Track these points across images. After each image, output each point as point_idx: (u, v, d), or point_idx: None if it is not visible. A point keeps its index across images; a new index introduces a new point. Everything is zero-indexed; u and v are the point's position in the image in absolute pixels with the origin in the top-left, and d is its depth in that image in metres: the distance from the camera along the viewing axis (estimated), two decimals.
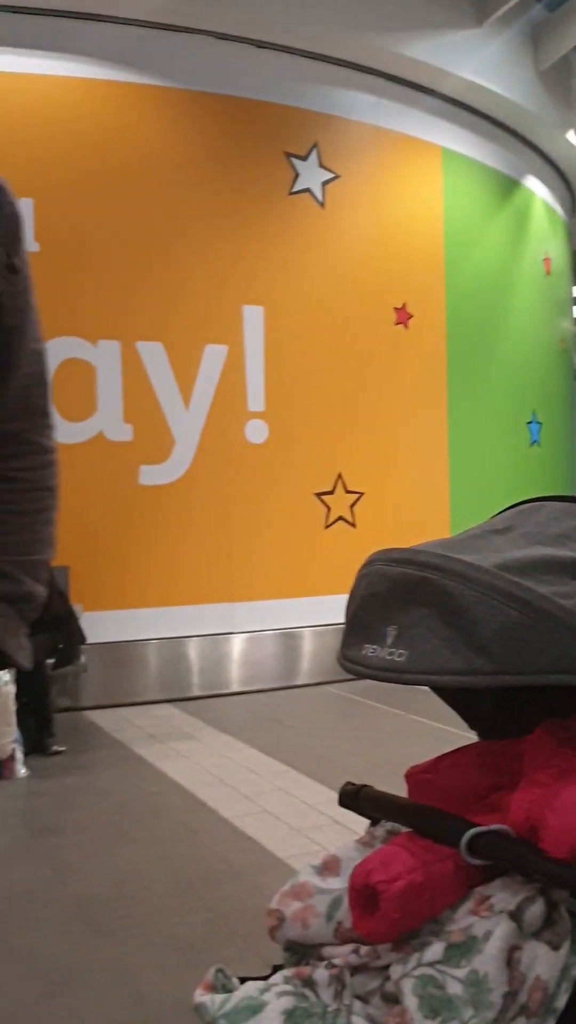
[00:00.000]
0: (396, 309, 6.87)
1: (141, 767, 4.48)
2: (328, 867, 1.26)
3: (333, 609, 6.08)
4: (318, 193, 6.56)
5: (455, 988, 0.99)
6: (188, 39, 6.08)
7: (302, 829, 3.54)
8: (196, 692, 6.14)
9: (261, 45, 6.25)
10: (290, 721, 5.42)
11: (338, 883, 1.21)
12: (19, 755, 4.37)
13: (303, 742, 4.91)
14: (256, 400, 6.37)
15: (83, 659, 5.26)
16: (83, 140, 5.87)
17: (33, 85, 5.76)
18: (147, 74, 6.01)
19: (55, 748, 4.70)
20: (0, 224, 1.22)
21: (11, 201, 1.25)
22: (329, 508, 6.61)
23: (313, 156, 6.52)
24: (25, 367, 1.29)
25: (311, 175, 6.52)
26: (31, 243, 5.75)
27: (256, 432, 6.37)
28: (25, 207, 5.67)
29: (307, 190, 6.52)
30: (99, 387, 5.95)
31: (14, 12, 5.63)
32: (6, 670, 1.35)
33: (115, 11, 5.81)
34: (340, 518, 6.65)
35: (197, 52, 6.11)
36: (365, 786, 1.29)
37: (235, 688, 6.27)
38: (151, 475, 6.08)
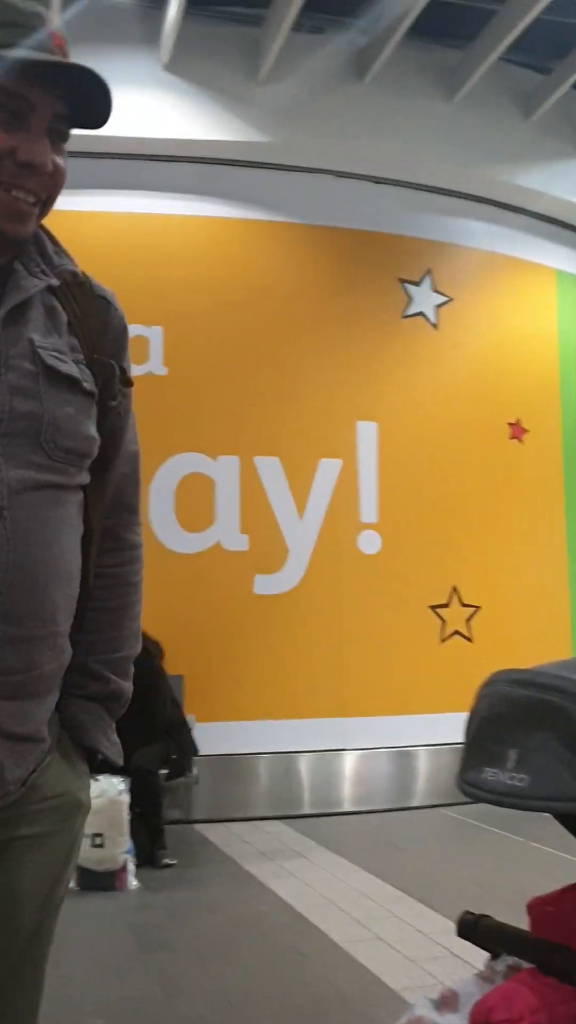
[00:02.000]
0: (510, 424, 6.88)
1: (251, 885, 4.40)
2: (446, 1002, 1.21)
3: (449, 727, 5.93)
4: (431, 316, 6.73)
5: None
6: (309, 178, 6.46)
7: (417, 959, 3.38)
8: (307, 810, 6.02)
9: (377, 181, 6.58)
10: (404, 844, 5.24)
11: (456, 1019, 1.17)
12: (131, 867, 4.36)
13: (418, 867, 4.73)
14: (369, 511, 6.43)
15: (195, 771, 5.26)
16: (210, 273, 6.25)
17: (168, 225, 6.23)
18: (270, 211, 6.39)
19: (166, 861, 4.67)
20: (108, 335, 1.28)
21: (120, 315, 1.32)
22: (444, 621, 6.52)
23: (426, 281, 6.72)
24: (121, 466, 1.34)
25: (424, 299, 6.71)
26: (160, 367, 6.12)
27: (369, 543, 6.40)
28: (155, 335, 6.09)
29: (420, 313, 6.70)
30: (218, 499, 6.13)
31: (151, 160, 6.15)
32: (105, 773, 1.37)
33: (246, 156, 6.25)
34: (456, 632, 6.54)
35: (317, 189, 6.48)
36: (485, 916, 1.25)
37: (347, 807, 6.12)
38: (265, 584, 6.16)
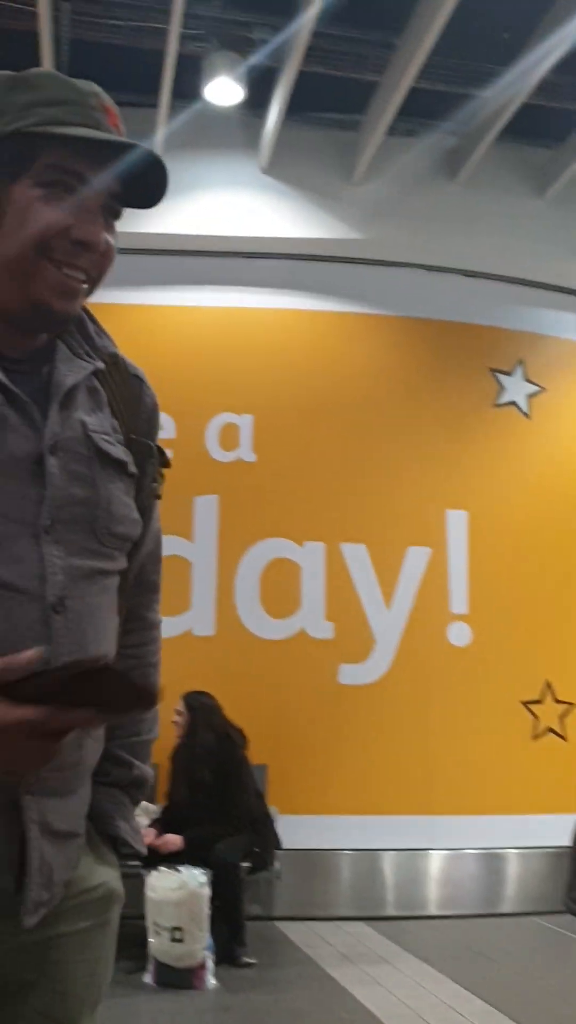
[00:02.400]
0: None
1: (333, 990, 4.22)
2: None
3: (542, 830, 5.67)
4: (524, 405, 6.69)
5: None
6: (401, 272, 6.58)
7: None
8: (390, 911, 5.79)
9: (468, 274, 6.66)
10: (494, 955, 4.96)
11: None
12: (210, 964, 4.23)
13: (510, 981, 4.47)
14: (459, 602, 6.30)
15: (277, 865, 5.12)
16: (302, 363, 6.38)
17: (262, 318, 6.40)
18: (362, 304, 6.52)
19: (246, 960, 4.51)
20: (142, 415, 1.27)
21: (153, 394, 1.31)
22: (537, 718, 6.28)
23: (518, 371, 6.71)
24: (147, 545, 1.30)
25: (516, 389, 6.69)
26: (249, 454, 6.22)
27: (459, 635, 6.26)
28: (245, 422, 6.22)
29: (512, 403, 6.67)
30: (303, 585, 6.12)
31: (247, 257, 6.39)
32: (131, 861, 1.31)
33: (339, 252, 6.44)
34: (549, 730, 6.29)
35: (409, 283, 6.59)
36: None
37: (432, 911, 5.86)
38: (351, 674, 6.06)
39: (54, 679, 0.88)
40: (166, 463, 1.29)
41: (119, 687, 0.87)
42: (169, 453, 1.33)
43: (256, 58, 5.44)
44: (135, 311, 6.12)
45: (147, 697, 0.90)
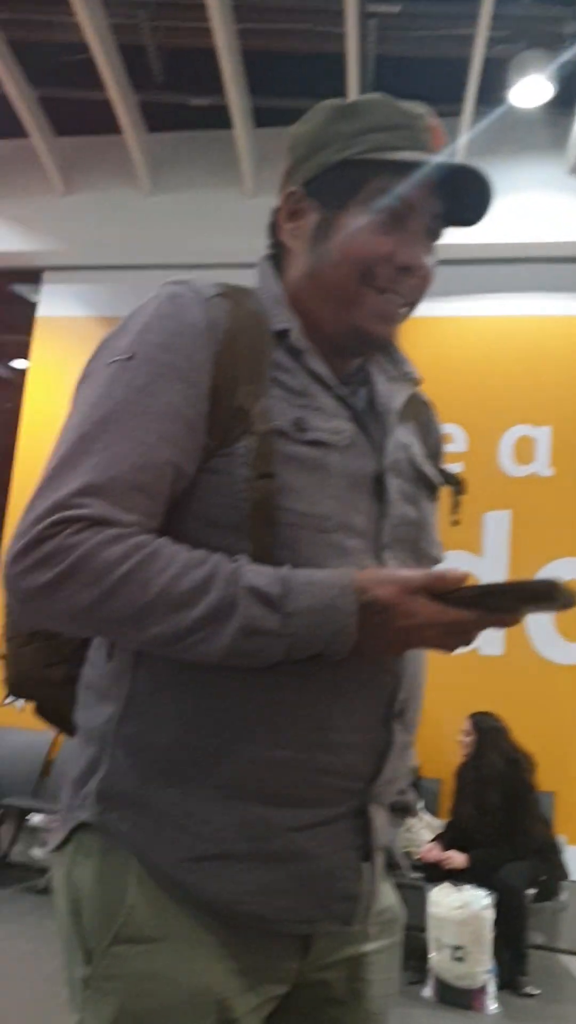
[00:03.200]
0: None
1: None
2: None
3: None
4: None
5: None
6: None
7: None
8: None
9: None
10: None
11: None
12: (491, 989, 4.12)
13: None
14: None
15: (564, 896, 4.87)
16: None
17: (565, 325, 6.11)
18: None
19: (528, 989, 4.34)
20: (432, 440, 1.27)
21: (439, 420, 1.31)
22: None
23: None
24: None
25: None
26: (546, 469, 5.97)
27: None
28: (543, 435, 5.97)
29: None
30: None
31: (552, 262, 6.15)
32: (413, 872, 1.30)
33: None
34: None
35: None
36: None
37: None
38: None
39: (482, 593, 1.01)
40: (463, 490, 1.29)
41: (538, 595, 0.97)
42: (460, 466, 1.32)
43: (568, 54, 5.24)
44: (428, 323, 6.09)
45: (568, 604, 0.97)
